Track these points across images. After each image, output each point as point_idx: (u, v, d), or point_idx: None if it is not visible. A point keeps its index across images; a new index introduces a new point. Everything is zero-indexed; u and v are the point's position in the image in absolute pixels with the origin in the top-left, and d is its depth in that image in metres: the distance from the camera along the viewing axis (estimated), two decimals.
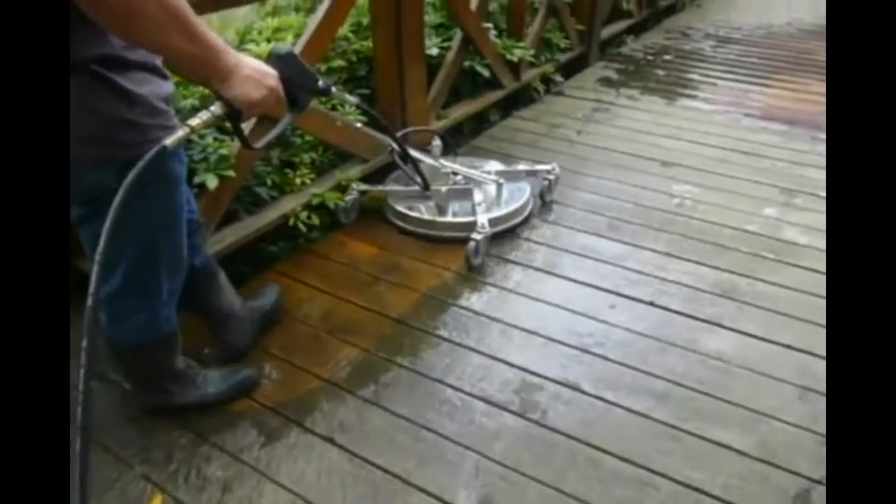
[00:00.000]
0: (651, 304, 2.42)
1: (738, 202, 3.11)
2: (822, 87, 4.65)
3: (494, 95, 3.91)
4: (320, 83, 1.55)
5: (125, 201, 1.09)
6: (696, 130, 3.92)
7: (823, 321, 2.28)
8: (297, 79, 1.45)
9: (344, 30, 3.14)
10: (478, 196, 2.81)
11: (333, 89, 1.63)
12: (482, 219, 2.66)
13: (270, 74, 1.37)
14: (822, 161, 3.52)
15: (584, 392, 2.04)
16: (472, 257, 2.57)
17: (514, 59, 3.84)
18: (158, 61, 1.41)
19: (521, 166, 3.16)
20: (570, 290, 2.50)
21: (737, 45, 5.74)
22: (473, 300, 2.45)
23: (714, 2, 7.36)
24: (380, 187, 2.94)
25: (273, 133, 1.54)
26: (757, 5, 7.22)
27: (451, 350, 2.22)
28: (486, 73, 3.64)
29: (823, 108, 4.29)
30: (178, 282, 1.73)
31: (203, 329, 2.10)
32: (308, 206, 2.70)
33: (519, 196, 2.91)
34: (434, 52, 3.36)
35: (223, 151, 2.27)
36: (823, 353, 2.17)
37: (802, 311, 2.37)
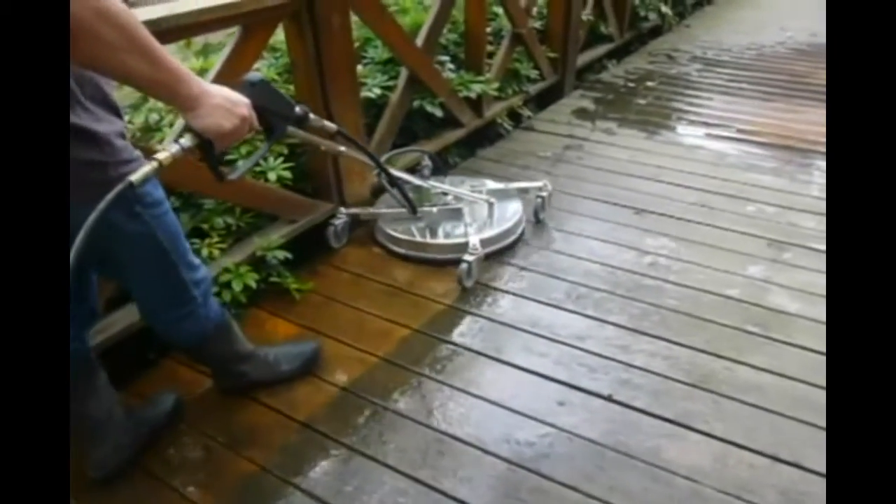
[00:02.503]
0: (609, 398, 2.03)
1: (719, 259, 2.71)
2: (818, 114, 4.30)
3: (453, 135, 3.54)
4: (297, 109, 1.50)
5: (88, 238, 1.06)
6: (677, 170, 3.54)
7: (816, 420, 1.90)
8: (271, 106, 1.40)
9: (271, 73, 2.79)
10: (468, 216, 2.81)
11: (312, 116, 1.59)
12: (474, 240, 2.57)
13: (242, 103, 1.31)
14: (816, 205, 3.14)
15: None
16: (464, 279, 2.51)
17: (473, 95, 3.46)
18: (111, 96, 1.36)
19: (513, 184, 3.08)
20: (513, 383, 2.10)
21: (725, 69, 5.37)
22: (397, 396, 2.06)
23: (703, 22, 7.01)
24: (369, 210, 2.89)
25: (248, 164, 1.49)
26: (748, 24, 6.87)
27: (360, 466, 1.82)
28: (438, 112, 3.25)
29: (819, 138, 3.95)
30: (205, 285, 1.75)
31: None
32: (215, 283, 2.31)
33: (511, 216, 2.85)
34: (376, 92, 2.99)
35: None
36: (817, 465, 1.78)
37: (792, 408, 1.98)
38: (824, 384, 2.05)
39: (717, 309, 2.41)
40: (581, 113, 4.39)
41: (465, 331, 2.33)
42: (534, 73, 4.20)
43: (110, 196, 1.11)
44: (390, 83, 3.11)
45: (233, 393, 2.07)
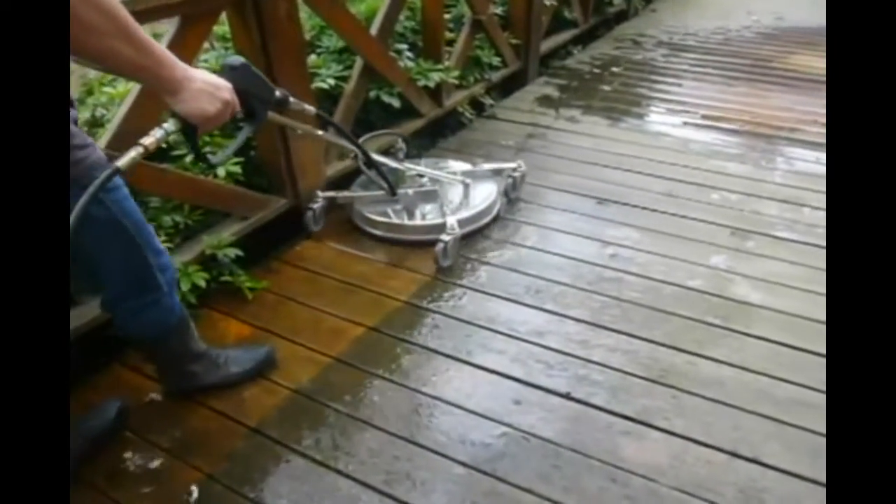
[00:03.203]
0: (567, 396, 1.98)
1: (681, 249, 2.67)
2: (783, 99, 4.29)
3: (413, 125, 3.45)
4: (277, 93, 1.51)
5: (78, 224, 1.05)
6: (641, 158, 3.49)
7: (776, 414, 1.87)
8: (253, 90, 1.40)
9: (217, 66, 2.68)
10: (444, 198, 2.82)
11: (292, 99, 1.60)
12: (451, 220, 2.60)
13: (225, 87, 1.31)
14: (778, 191, 3.13)
15: None
16: (441, 259, 2.53)
17: (431, 84, 3.38)
18: None
19: (487, 165, 3.12)
20: (470, 382, 2.04)
21: (691, 54, 5.34)
22: (350, 398, 1.99)
23: (669, 6, 6.97)
24: (345, 193, 2.88)
25: (231, 148, 1.48)
26: (714, 8, 6.85)
27: (311, 473, 1.76)
28: (395, 103, 3.17)
29: (784, 123, 3.93)
30: (170, 273, 1.72)
31: None
32: None
33: (487, 196, 2.88)
34: (330, 83, 2.90)
35: None
36: (776, 461, 1.75)
37: (752, 402, 1.94)
38: (784, 376, 2.03)
39: (678, 301, 2.37)
40: (545, 100, 4.32)
41: (421, 328, 2.26)
42: (496, 61, 4.12)
43: (98, 181, 1.11)
44: (345, 73, 3.01)
45: (180, 396, 1.99)
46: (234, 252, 2.42)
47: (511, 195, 3.02)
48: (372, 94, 3.14)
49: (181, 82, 1.23)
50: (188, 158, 2.39)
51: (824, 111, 4.02)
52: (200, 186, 2.37)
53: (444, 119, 3.77)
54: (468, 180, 2.83)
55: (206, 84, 1.27)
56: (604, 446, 1.81)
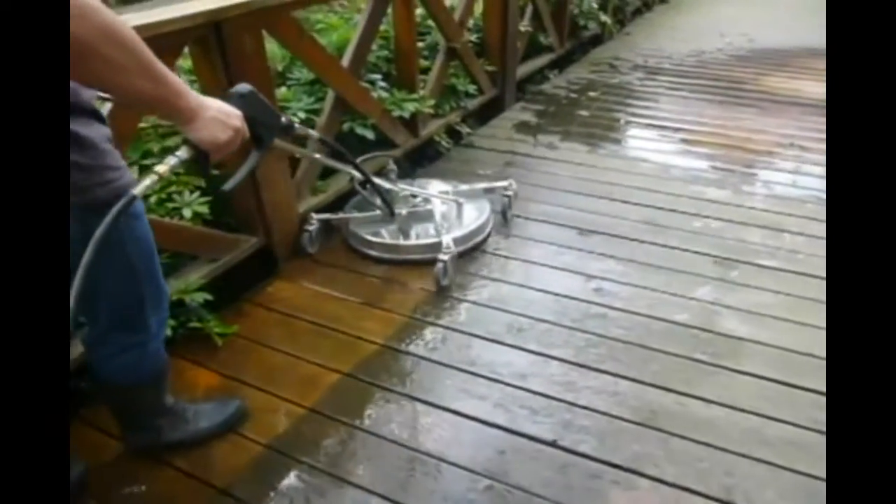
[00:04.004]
0: (554, 444, 1.89)
1: (667, 281, 2.61)
2: (759, 122, 4.28)
3: (388, 156, 3.36)
4: (283, 120, 1.52)
5: (96, 254, 1.04)
6: (620, 185, 3.44)
7: (770, 457, 1.80)
8: (260, 117, 1.41)
9: None
10: (438, 217, 2.86)
11: (297, 125, 1.64)
12: (447, 239, 2.62)
13: (235, 114, 1.32)
14: (760, 217, 3.08)
15: None
16: (441, 278, 2.54)
17: (406, 114, 3.30)
18: (95, 104, 1.34)
19: (479, 185, 3.17)
20: (451, 431, 1.94)
21: (666, 77, 5.34)
22: (322, 454, 1.88)
23: (643, 29, 7.00)
24: (340, 214, 2.92)
25: (241, 173, 1.46)
26: (687, 31, 6.89)
27: None
28: (369, 134, 3.09)
29: (760, 147, 3.91)
30: (164, 312, 1.68)
31: None
32: None
33: (480, 215, 2.94)
34: (300, 116, 2.82)
35: None
36: None
37: (742, 443, 1.87)
38: (775, 415, 1.96)
39: (666, 337, 2.30)
40: (523, 127, 4.27)
41: (398, 373, 2.16)
42: (472, 88, 4.07)
43: (116, 209, 1.10)
44: (317, 105, 2.93)
45: (144, 453, 1.87)
46: (202, 296, 2.31)
47: (507, 214, 3.06)
48: (345, 126, 3.05)
49: (196, 111, 1.24)
50: (151, 199, 2.29)
51: (799, 133, 4.03)
52: (165, 229, 2.26)
53: (421, 149, 3.71)
54: (461, 200, 2.91)
55: (218, 112, 1.28)
56: (593, 498, 1.72)
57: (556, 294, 2.54)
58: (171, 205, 2.33)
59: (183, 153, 1.27)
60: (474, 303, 2.50)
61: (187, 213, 2.33)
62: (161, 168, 1.23)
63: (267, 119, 1.45)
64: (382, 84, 3.31)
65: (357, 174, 2.54)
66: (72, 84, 1.23)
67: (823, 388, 2.04)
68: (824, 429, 1.89)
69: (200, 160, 1.31)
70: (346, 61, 2.92)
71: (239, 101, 1.36)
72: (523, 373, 2.15)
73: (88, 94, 1.32)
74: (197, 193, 2.38)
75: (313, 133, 1.92)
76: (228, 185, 1.48)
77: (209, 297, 2.33)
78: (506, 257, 2.80)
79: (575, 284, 2.60)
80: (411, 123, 3.46)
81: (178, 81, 1.20)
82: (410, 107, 3.32)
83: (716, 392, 2.05)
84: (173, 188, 2.34)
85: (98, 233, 1.07)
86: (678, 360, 2.20)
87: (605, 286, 2.58)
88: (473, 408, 2.01)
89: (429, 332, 2.35)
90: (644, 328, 2.35)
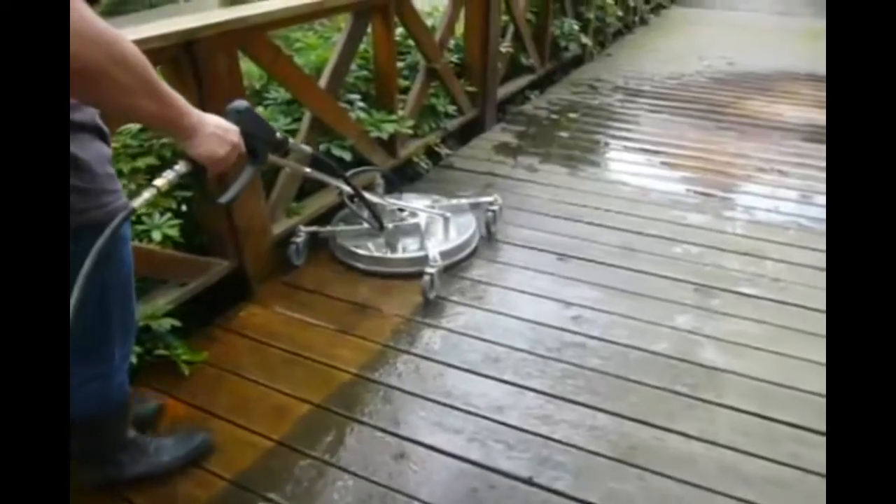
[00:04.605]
0: (529, 481, 1.83)
1: (645, 309, 2.57)
2: (737, 146, 4.29)
3: (365, 178, 3.31)
4: (278, 136, 1.56)
5: (95, 265, 1.06)
6: (600, 209, 3.41)
7: (750, 496, 1.76)
8: (256, 132, 1.45)
9: None
10: (425, 231, 2.89)
11: (291, 141, 1.69)
12: (433, 252, 2.66)
13: (232, 130, 1.35)
14: (739, 244, 3.06)
15: None
16: (428, 291, 2.57)
17: (384, 136, 3.26)
18: (101, 121, 1.34)
19: (465, 200, 3.23)
20: (423, 467, 1.89)
21: (646, 99, 5.35)
22: (290, 490, 1.81)
23: (624, 50, 7.03)
24: (328, 228, 2.96)
25: (237, 187, 1.47)
26: (667, 53, 6.94)
27: None
28: (347, 156, 3.04)
29: (740, 171, 3.91)
30: (130, 345, 1.65)
31: None
32: None
33: (465, 229, 2.99)
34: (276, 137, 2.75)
35: None
36: None
37: (722, 481, 1.83)
38: (754, 451, 1.92)
39: (644, 368, 2.26)
40: (503, 148, 4.25)
41: (370, 404, 2.10)
42: (451, 109, 4.03)
43: (115, 223, 1.12)
44: (294, 126, 2.88)
45: (103, 489, 1.79)
46: (170, 322, 2.24)
47: (492, 229, 3.10)
48: (322, 146, 3.00)
49: (196, 127, 1.26)
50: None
51: (780, 158, 4.04)
52: (134, 252, 2.18)
53: (400, 170, 3.65)
54: (448, 214, 2.94)
55: (217, 128, 1.30)
56: None
57: (533, 322, 2.50)
58: (139, 227, 2.26)
59: (181, 167, 1.30)
60: (450, 330, 2.45)
61: (157, 235, 2.26)
62: (159, 182, 1.25)
63: (262, 134, 1.49)
64: (361, 104, 3.26)
65: (346, 188, 2.57)
66: (72, 102, 1.24)
67: (803, 422, 2.01)
68: (803, 465, 1.87)
69: (198, 174, 1.34)
70: (323, 81, 2.87)
71: (236, 116, 1.40)
72: (499, 405, 2.10)
73: (90, 112, 1.32)
74: (168, 215, 2.31)
75: (306, 148, 2.00)
76: (225, 198, 1.49)
77: (177, 323, 2.26)
78: (482, 283, 2.76)
79: (552, 311, 2.56)
80: (390, 144, 3.41)
81: (180, 99, 1.22)
82: (389, 128, 3.27)
83: (695, 426, 2.01)
84: (143, 209, 2.27)
85: (98, 244, 1.08)
86: (657, 391, 2.16)
87: (583, 314, 2.55)
88: (447, 442, 1.96)
89: (402, 362, 2.29)
90: (622, 357, 2.31)
